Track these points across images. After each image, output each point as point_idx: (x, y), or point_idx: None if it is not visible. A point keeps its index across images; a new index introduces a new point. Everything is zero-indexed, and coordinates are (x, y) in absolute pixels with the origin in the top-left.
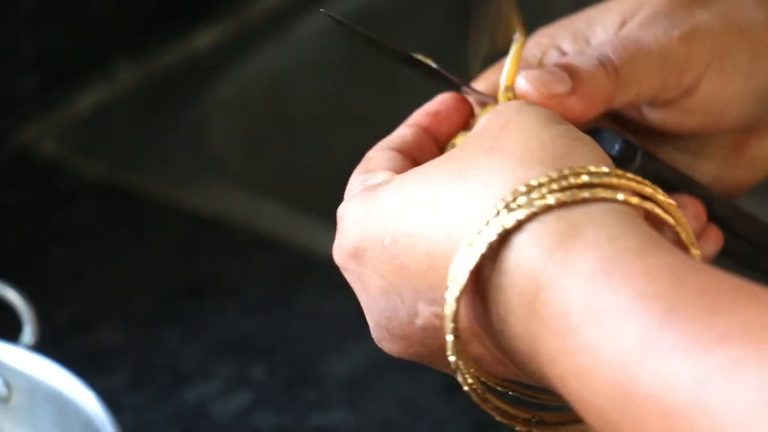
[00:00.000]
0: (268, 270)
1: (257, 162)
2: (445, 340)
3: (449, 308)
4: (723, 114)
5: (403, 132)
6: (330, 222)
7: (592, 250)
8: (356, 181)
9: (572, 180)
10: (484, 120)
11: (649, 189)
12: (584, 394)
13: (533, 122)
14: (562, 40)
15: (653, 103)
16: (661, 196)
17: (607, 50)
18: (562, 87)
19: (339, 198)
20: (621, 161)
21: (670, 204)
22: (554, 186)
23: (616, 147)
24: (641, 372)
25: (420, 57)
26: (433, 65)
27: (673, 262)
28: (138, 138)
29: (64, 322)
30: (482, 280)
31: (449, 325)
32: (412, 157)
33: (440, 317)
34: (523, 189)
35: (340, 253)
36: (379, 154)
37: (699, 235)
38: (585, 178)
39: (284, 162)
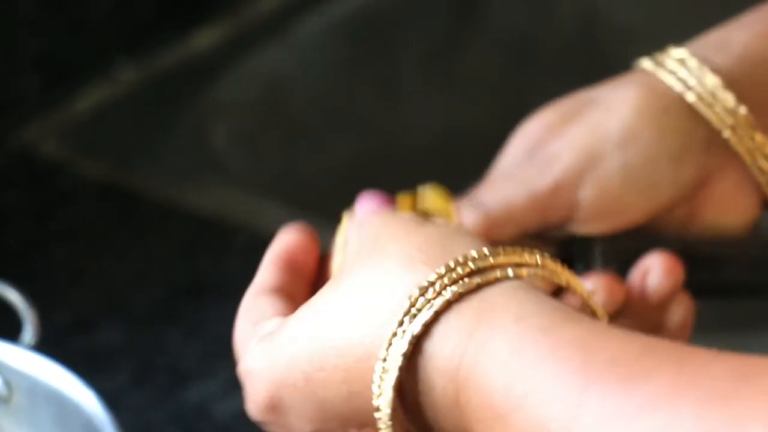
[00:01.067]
0: None
1: (257, 162)
2: None
3: (386, 427)
4: (618, 214)
5: (270, 273)
6: (330, 222)
7: (500, 335)
8: (247, 335)
9: (460, 270)
10: (353, 237)
11: (531, 257)
12: None
13: (401, 230)
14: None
15: (553, 227)
16: (546, 260)
17: (479, 193)
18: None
19: (339, 198)
20: (585, 255)
21: (558, 267)
22: (445, 281)
23: (576, 247)
24: None
25: None
26: None
27: (581, 335)
28: (138, 138)
29: (64, 322)
30: (405, 392)
31: None
32: (291, 296)
33: None
34: (416, 292)
35: (256, 409)
36: (261, 301)
37: (669, 301)
38: (471, 265)
39: (284, 162)
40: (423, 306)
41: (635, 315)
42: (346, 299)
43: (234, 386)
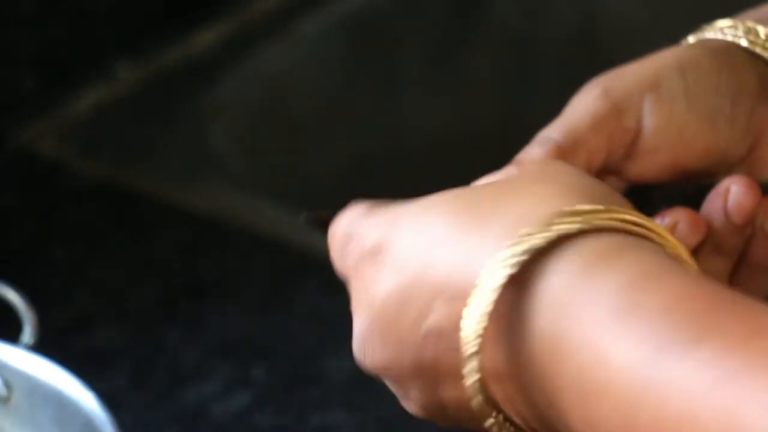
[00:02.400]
0: (268, 270)
1: (257, 162)
2: (444, 351)
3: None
4: (685, 146)
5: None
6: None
7: (605, 296)
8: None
9: (615, 214)
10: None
11: (631, 216)
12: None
13: (569, 170)
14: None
15: (618, 161)
16: (647, 222)
17: (546, 131)
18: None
19: (339, 198)
20: (644, 204)
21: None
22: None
23: (633, 197)
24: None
25: None
26: None
27: (666, 305)
28: (138, 138)
29: (64, 322)
30: (501, 321)
31: (476, 327)
32: None
33: (453, 320)
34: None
35: (354, 253)
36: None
37: (753, 220)
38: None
39: (284, 162)
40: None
41: (719, 246)
42: (488, 200)
43: (233, 386)
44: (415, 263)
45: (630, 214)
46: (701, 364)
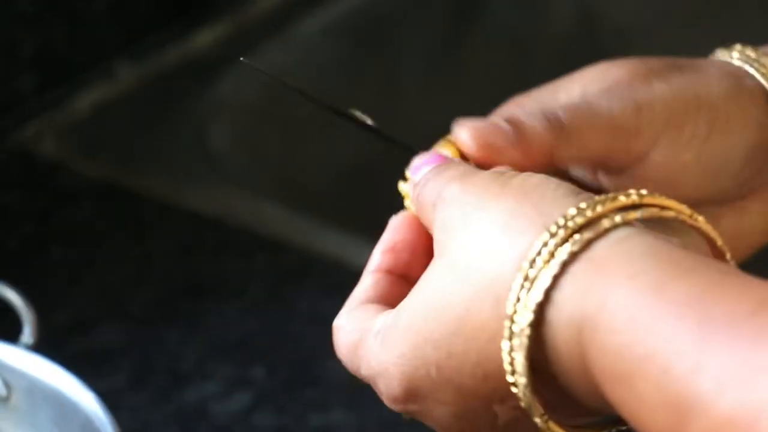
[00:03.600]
0: (268, 270)
1: (257, 162)
2: (530, 426)
3: (526, 400)
4: (677, 185)
5: (368, 282)
6: (330, 222)
7: (614, 298)
8: (357, 340)
9: (562, 233)
10: (439, 214)
11: (629, 198)
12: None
13: (485, 195)
14: (528, 107)
15: (606, 169)
16: (649, 197)
17: (556, 107)
18: (501, 140)
19: (339, 198)
20: None
21: (663, 200)
22: (551, 246)
23: None
24: (692, 415)
25: (359, 115)
26: (372, 123)
27: (694, 291)
28: (138, 138)
29: (64, 322)
30: (536, 363)
31: (538, 417)
32: (404, 277)
33: (518, 408)
34: (526, 265)
35: (395, 402)
36: (359, 310)
37: None
38: (571, 224)
39: (284, 162)
40: (536, 275)
41: None
42: (452, 282)
43: (233, 386)
44: (451, 391)
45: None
46: (738, 395)
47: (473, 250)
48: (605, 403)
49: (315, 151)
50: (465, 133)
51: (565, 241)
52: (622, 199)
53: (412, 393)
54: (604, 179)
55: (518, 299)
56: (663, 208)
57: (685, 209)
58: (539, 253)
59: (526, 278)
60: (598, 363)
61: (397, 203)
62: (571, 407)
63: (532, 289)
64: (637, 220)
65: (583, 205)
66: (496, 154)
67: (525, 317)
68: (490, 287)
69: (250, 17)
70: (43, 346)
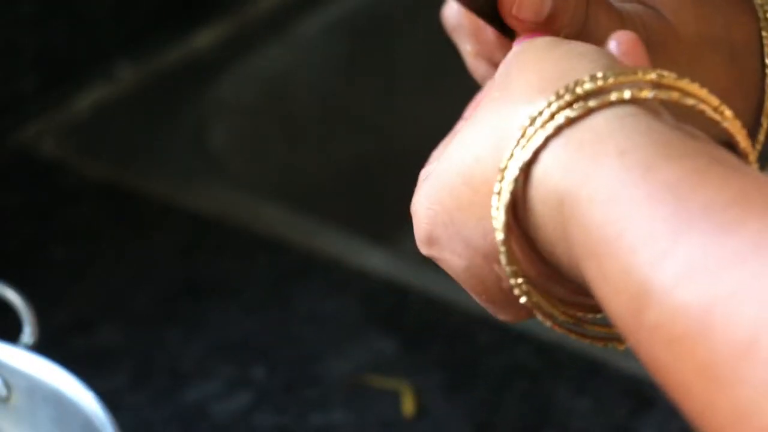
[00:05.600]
0: (268, 270)
1: (257, 162)
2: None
3: (502, 254)
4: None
5: None
6: (330, 222)
7: (601, 171)
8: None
9: (568, 97)
10: (497, 74)
11: (653, 75)
12: (612, 317)
13: (530, 58)
14: None
15: None
16: (671, 79)
17: None
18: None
19: (339, 198)
20: None
21: (684, 84)
22: (554, 108)
23: None
24: (649, 302)
25: None
26: None
27: (680, 176)
28: (138, 138)
29: (64, 322)
30: (522, 223)
31: (508, 269)
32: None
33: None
34: (527, 121)
35: (420, 243)
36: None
37: None
38: (579, 90)
39: (284, 162)
40: (532, 134)
41: None
42: (473, 135)
43: (233, 386)
44: (461, 244)
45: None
46: (696, 285)
47: (498, 112)
48: (584, 280)
49: (315, 151)
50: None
51: (568, 105)
52: (639, 75)
53: (433, 238)
54: None
55: (512, 155)
56: (686, 94)
57: (712, 99)
58: (540, 113)
59: (523, 135)
60: (576, 235)
61: (397, 203)
62: (558, 284)
63: (525, 147)
64: (658, 101)
65: (599, 74)
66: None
67: (511, 173)
68: (498, 142)
69: (250, 17)
70: (43, 346)
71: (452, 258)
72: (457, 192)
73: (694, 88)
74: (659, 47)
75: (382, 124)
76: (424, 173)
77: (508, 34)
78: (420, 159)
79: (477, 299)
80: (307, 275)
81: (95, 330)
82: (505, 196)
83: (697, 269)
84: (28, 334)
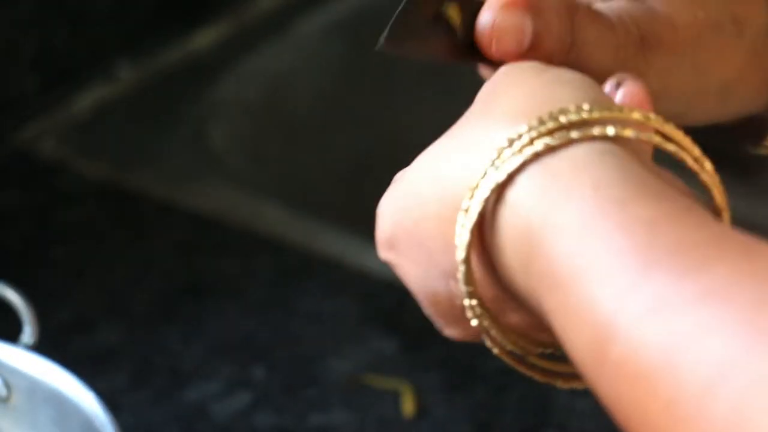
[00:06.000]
0: (268, 270)
1: (257, 162)
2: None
3: (460, 272)
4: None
5: None
6: (330, 222)
7: (575, 203)
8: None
9: (551, 124)
10: (480, 91)
11: (638, 115)
12: (571, 352)
13: (516, 80)
14: None
15: None
16: (656, 121)
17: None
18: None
19: (339, 198)
20: None
21: (673, 131)
22: (533, 134)
23: None
24: (614, 336)
25: None
26: None
27: (654, 214)
28: (138, 138)
29: (64, 322)
30: (485, 246)
31: (463, 289)
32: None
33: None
34: (505, 143)
35: (379, 245)
36: None
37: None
38: (563, 120)
39: (284, 162)
40: (507, 157)
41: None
42: (449, 148)
43: (234, 386)
44: (420, 252)
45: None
46: (660, 323)
47: (477, 130)
48: (541, 313)
49: (315, 151)
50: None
51: (549, 133)
52: (625, 112)
53: (394, 242)
54: None
55: (485, 174)
56: (668, 139)
57: (693, 149)
58: (520, 137)
59: (499, 156)
60: (541, 264)
61: None
62: (513, 312)
63: (499, 169)
64: (641, 141)
65: (585, 106)
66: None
67: (482, 192)
68: (472, 159)
69: (250, 17)
70: (43, 346)
71: (409, 266)
72: (424, 201)
73: (678, 134)
74: (655, 43)
75: (381, 124)
76: (399, 175)
77: (498, 65)
78: None
79: (426, 310)
80: (307, 275)
81: (95, 330)
82: (473, 215)
83: (665, 305)
84: (28, 334)
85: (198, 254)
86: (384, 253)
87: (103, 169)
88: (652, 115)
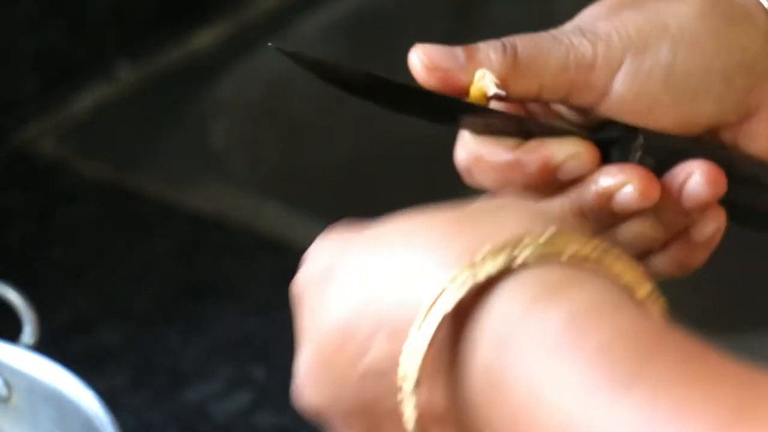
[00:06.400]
0: (268, 270)
1: (257, 162)
2: (383, 391)
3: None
4: (650, 116)
5: None
6: (330, 222)
7: (543, 336)
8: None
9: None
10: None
11: (587, 246)
12: None
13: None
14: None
15: (575, 105)
16: (603, 253)
17: (516, 38)
18: (450, 63)
19: (339, 198)
20: (625, 143)
21: (615, 261)
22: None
23: (615, 133)
24: None
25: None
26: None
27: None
28: (138, 138)
29: (64, 322)
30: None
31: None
32: None
33: (393, 357)
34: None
35: (306, 274)
36: None
37: (703, 211)
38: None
39: (284, 162)
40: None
41: (662, 217)
42: (409, 244)
43: (233, 386)
44: (361, 294)
45: (584, 244)
46: (630, 409)
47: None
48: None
49: (315, 151)
50: (415, 54)
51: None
52: (576, 247)
53: (332, 272)
54: (579, 117)
55: (428, 311)
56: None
57: (645, 284)
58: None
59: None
60: (503, 388)
61: (397, 204)
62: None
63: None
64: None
65: (542, 239)
66: (444, 77)
67: (427, 330)
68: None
69: (250, 17)
70: (43, 346)
71: (335, 301)
72: (389, 250)
73: (633, 271)
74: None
75: (381, 124)
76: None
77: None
78: (420, 160)
79: (308, 362)
80: None
81: (95, 330)
82: (423, 344)
83: None
84: (28, 334)
85: (198, 254)
86: (308, 282)
87: (103, 169)
88: (608, 247)
